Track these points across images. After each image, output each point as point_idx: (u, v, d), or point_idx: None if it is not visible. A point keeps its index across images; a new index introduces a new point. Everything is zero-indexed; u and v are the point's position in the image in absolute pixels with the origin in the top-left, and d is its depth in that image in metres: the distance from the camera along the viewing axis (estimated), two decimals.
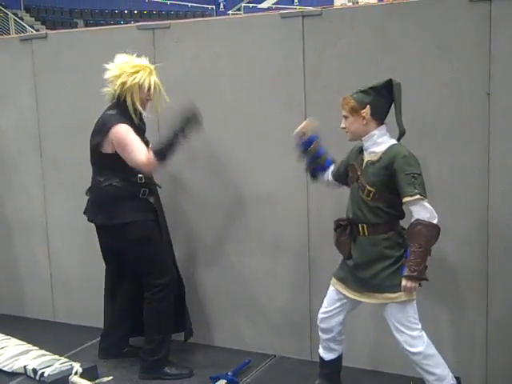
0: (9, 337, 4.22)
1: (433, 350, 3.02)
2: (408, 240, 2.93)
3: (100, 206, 3.68)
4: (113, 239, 3.71)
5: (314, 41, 3.64)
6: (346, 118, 3.04)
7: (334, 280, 3.20)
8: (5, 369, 3.83)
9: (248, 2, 25.43)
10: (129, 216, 3.58)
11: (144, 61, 3.68)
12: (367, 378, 3.69)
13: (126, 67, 3.60)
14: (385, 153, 2.96)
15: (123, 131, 3.52)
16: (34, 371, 3.71)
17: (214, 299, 4.17)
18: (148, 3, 24.51)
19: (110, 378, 3.70)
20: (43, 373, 3.67)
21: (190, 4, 25.61)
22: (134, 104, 3.60)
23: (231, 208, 4.04)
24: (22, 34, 5.80)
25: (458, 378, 3.10)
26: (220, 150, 3.99)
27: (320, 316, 3.26)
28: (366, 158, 3.03)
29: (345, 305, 3.18)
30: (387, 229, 2.99)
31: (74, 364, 3.73)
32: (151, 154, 3.49)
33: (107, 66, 3.64)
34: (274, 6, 23.67)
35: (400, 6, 3.46)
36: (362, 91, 2.99)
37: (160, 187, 3.86)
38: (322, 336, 3.29)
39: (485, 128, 3.28)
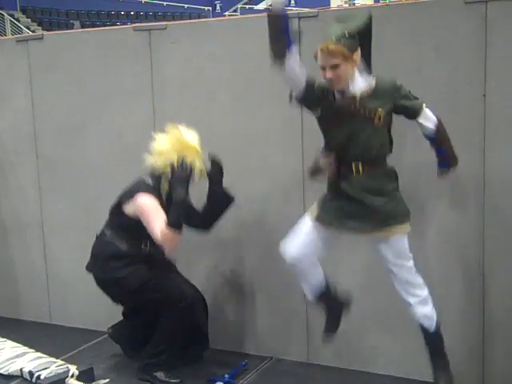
0: (5, 339, 4.20)
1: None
2: (440, 138, 3.01)
3: (96, 258, 3.73)
4: (111, 292, 3.75)
5: (310, 42, 3.62)
6: (336, 66, 2.84)
7: (316, 224, 3.05)
8: (1, 371, 3.81)
9: (244, 4, 25.46)
10: (122, 271, 3.61)
11: (193, 137, 3.57)
12: (363, 380, 3.69)
13: (175, 145, 3.52)
14: (378, 83, 2.94)
15: (147, 201, 3.51)
16: (31, 374, 3.70)
17: (210, 301, 4.16)
18: (144, 4, 24.52)
19: (107, 380, 3.69)
20: (39, 375, 3.66)
21: (186, 5, 25.61)
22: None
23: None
24: (18, 35, 5.79)
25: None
26: (216, 150, 3.98)
27: (292, 249, 3.06)
28: (356, 93, 2.91)
29: (326, 240, 3.06)
30: (384, 162, 3.00)
31: (70, 366, 3.71)
32: (165, 227, 3.40)
33: (156, 136, 3.59)
34: (270, 7, 23.67)
35: (396, 7, 3.47)
36: (349, 36, 2.83)
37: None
38: (299, 268, 3.08)
39: (481, 129, 3.28)
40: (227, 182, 3.97)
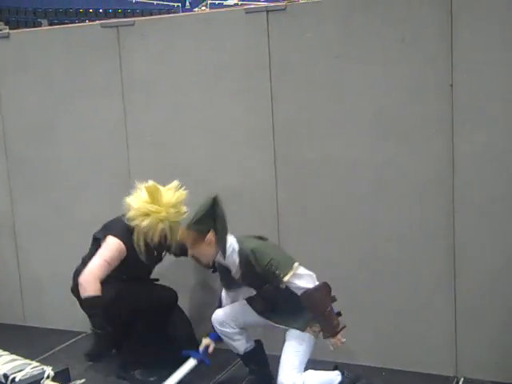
0: None
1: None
2: (308, 311, 3.07)
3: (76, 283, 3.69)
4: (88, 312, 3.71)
5: (278, 35, 3.64)
6: (191, 248, 3.14)
7: None
8: None
9: None
10: None
11: (168, 198, 3.50)
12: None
13: (145, 203, 3.48)
14: (240, 264, 3.13)
15: (110, 245, 3.53)
16: (5, 376, 3.65)
17: (186, 296, 4.15)
18: (113, 2, 24.28)
19: (83, 380, 3.67)
20: (14, 378, 3.62)
21: (155, 2, 25.44)
22: (137, 241, 3.54)
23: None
24: None
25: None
26: (187, 146, 3.98)
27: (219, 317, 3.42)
28: (235, 276, 3.22)
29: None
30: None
31: (45, 368, 3.68)
32: (95, 285, 3.43)
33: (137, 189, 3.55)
34: (240, 3, 23.64)
35: None
36: (194, 222, 3.07)
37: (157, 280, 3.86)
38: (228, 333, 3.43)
39: (448, 118, 3.32)
40: (198, 176, 3.97)
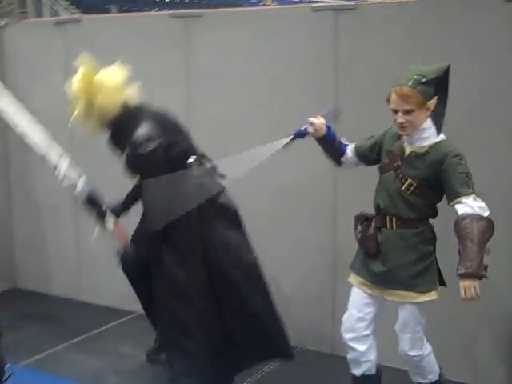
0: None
1: (429, 350, 2.93)
2: (457, 238, 2.64)
3: None
4: None
5: (346, 36, 3.60)
6: (408, 112, 2.66)
7: (355, 278, 2.97)
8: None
9: None
10: None
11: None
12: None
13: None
14: (433, 148, 2.72)
15: None
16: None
17: None
18: None
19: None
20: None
21: None
22: None
23: (256, 200, 3.99)
24: (57, 17, 5.86)
25: (440, 368, 3.03)
26: (247, 140, 3.98)
27: (347, 324, 2.98)
28: (408, 148, 2.78)
29: (373, 307, 2.95)
30: (419, 224, 2.81)
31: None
32: None
33: None
34: None
35: (432, 4, 3.43)
36: (423, 82, 2.64)
37: None
38: (353, 346, 2.98)
39: None
40: (257, 173, 3.97)
